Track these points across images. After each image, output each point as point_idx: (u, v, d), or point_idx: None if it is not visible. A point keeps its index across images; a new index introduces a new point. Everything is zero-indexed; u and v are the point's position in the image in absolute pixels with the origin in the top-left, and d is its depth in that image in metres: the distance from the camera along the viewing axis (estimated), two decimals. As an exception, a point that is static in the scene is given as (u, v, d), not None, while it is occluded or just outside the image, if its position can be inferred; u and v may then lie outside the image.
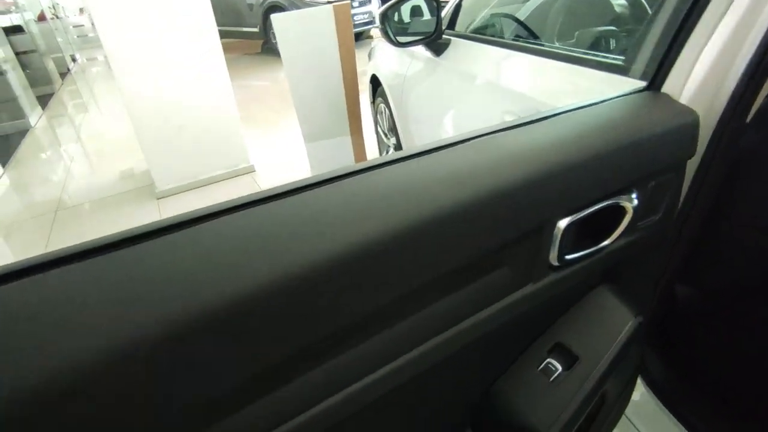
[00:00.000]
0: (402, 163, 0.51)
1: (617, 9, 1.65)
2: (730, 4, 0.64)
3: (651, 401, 0.99)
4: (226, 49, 2.98)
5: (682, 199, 0.77)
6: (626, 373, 0.83)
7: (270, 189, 0.45)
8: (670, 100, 0.69)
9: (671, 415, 0.94)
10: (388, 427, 0.63)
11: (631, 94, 0.72)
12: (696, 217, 0.79)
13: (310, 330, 0.40)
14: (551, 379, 0.69)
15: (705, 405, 0.93)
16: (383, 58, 2.38)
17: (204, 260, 0.37)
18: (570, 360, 0.70)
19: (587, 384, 0.67)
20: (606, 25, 1.56)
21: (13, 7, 6.79)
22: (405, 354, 0.51)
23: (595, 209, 0.61)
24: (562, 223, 0.58)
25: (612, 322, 0.71)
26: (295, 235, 0.40)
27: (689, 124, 0.67)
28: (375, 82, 2.52)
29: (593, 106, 0.67)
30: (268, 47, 7.29)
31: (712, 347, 0.97)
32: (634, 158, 0.62)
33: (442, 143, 0.55)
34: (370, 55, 2.66)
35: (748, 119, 0.73)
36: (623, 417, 0.99)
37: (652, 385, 0.99)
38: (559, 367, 0.69)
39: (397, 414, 0.63)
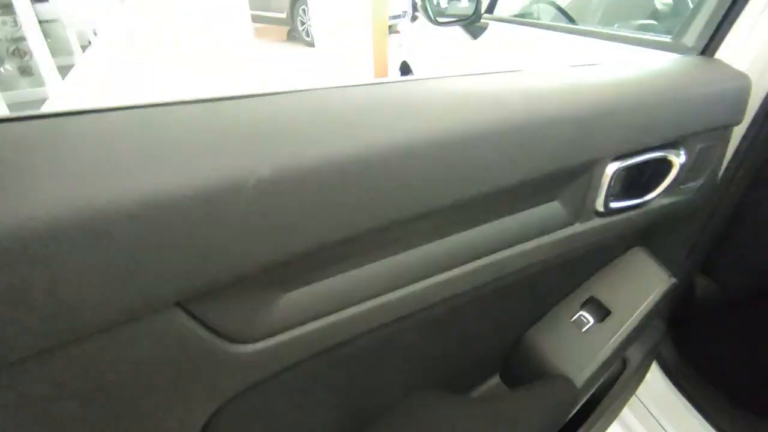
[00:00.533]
0: (448, 79, 0.50)
1: (659, 3, 1.65)
2: None
3: (664, 385, 0.99)
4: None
5: (722, 169, 0.77)
6: (651, 338, 0.84)
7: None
8: (721, 64, 0.70)
9: (684, 399, 0.94)
10: (414, 360, 0.65)
11: (682, 57, 0.73)
12: (735, 192, 0.80)
13: (337, 225, 0.39)
14: (583, 330, 0.70)
15: (719, 391, 0.93)
16: (414, 45, 2.40)
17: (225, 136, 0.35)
18: (602, 313, 0.71)
19: (617, 337, 0.69)
20: (648, 15, 1.56)
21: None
22: (443, 272, 0.52)
23: (644, 158, 0.62)
24: (610, 168, 0.59)
25: (647, 281, 0.72)
26: (340, 124, 0.39)
27: (740, 88, 0.67)
28: (405, 69, 2.54)
29: (645, 62, 0.68)
30: (294, 35, 7.32)
31: (733, 336, 0.97)
32: (682, 114, 0.63)
33: (491, 72, 0.55)
34: (400, 45, 2.68)
35: None
36: (636, 398, 1.00)
37: (666, 370, 0.99)
38: (591, 320, 0.71)
39: (428, 348, 0.64)
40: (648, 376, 0.96)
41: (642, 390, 0.97)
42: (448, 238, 0.51)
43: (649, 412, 1.00)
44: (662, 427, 0.96)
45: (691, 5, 1.46)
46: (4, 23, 4.73)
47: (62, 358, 0.31)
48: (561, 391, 0.66)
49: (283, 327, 0.42)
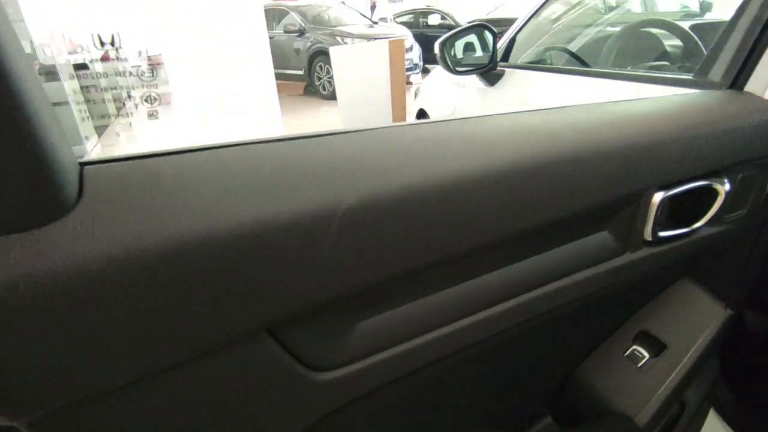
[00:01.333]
0: (502, 116, 0.53)
1: (669, 46, 1.70)
2: None
3: (722, 430, 0.94)
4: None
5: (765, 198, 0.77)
6: (707, 377, 0.81)
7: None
8: (753, 97, 0.72)
9: None
10: (470, 396, 0.63)
11: (712, 91, 0.75)
12: None
13: (413, 255, 0.39)
14: (639, 365, 0.68)
15: None
16: (431, 94, 2.50)
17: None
18: (658, 347, 0.69)
19: (678, 372, 0.66)
20: (658, 57, 1.61)
21: (80, 48, 7.49)
22: (500, 303, 0.52)
23: (689, 187, 0.62)
24: (657, 197, 0.60)
25: (701, 313, 0.71)
26: (415, 158, 0.40)
27: None
28: (422, 116, 2.62)
29: (676, 97, 0.70)
30: (310, 89, 7.67)
31: None
32: (720, 145, 0.64)
33: (537, 109, 0.57)
34: (416, 95, 2.79)
35: None
36: None
37: (723, 414, 0.94)
38: (647, 355, 0.69)
39: (483, 384, 0.63)
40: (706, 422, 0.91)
41: None
42: (505, 269, 0.52)
43: None
44: None
45: (700, 44, 1.51)
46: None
47: (156, 386, 0.31)
48: (623, 431, 0.64)
49: (357, 355, 0.43)
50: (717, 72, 0.81)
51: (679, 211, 0.67)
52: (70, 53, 7.21)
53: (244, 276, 0.31)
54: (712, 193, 0.66)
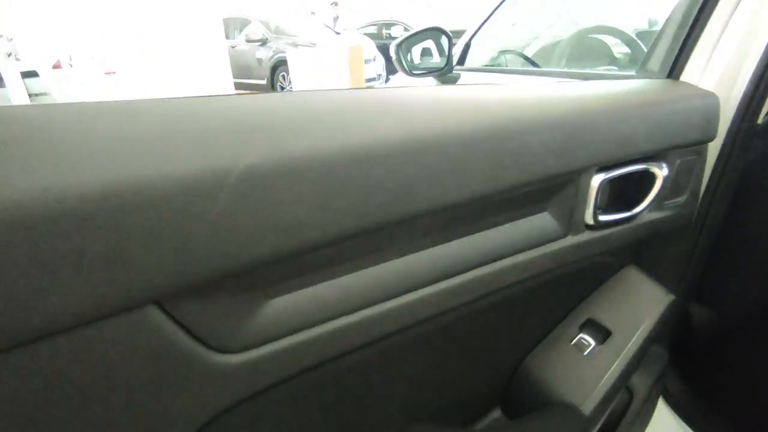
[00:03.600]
0: (432, 88, 0.51)
1: (617, 53, 1.76)
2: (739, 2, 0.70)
3: (672, 420, 0.95)
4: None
5: (704, 187, 0.79)
6: (656, 366, 0.81)
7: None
8: (688, 85, 0.73)
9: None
10: (409, 386, 0.60)
11: (652, 80, 0.76)
12: (717, 209, 0.81)
13: (322, 225, 0.36)
14: (585, 353, 0.67)
15: (730, 424, 0.88)
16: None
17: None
18: (603, 334, 0.68)
19: (623, 358, 0.65)
20: (607, 63, 1.66)
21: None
22: (435, 283, 0.49)
23: (627, 170, 0.62)
24: (596, 180, 0.59)
25: (645, 299, 0.71)
26: (329, 122, 0.38)
27: (708, 105, 0.70)
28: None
29: (614, 82, 0.70)
30: (273, 99, 7.59)
31: (736, 362, 0.95)
32: (658, 128, 0.65)
33: (472, 84, 0.55)
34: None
35: (760, 119, 0.77)
36: None
37: (673, 404, 0.95)
38: (593, 342, 0.68)
39: (423, 374, 0.60)
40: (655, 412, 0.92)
41: (649, 428, 0.92)
42: (441, 246, 0.49)
43: None
44: None
45: (645, 49, 1.57)
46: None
47: (26, 355, 0.27)
48: (568, 421, 0.62)
49: (269, 336, 0.38)
50: (655, 63, 0.83)
51: (620, 197, 0.67)
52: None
53: (125, 238, 0.27)
54: (651, 178, 0.66)
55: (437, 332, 0.55)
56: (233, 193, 0.31)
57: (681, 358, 0.96)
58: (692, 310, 0.95)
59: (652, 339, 0.69)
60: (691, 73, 0.75)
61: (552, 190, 0.56)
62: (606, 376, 0.64)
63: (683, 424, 0.89)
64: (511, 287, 0.56)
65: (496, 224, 0.54)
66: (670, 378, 0.95)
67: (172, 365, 0.33)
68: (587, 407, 0.63)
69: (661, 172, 0.65)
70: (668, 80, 0.76)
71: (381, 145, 0.38)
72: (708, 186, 0.79)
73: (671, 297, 0.71)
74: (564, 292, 0.70)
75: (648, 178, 0.66)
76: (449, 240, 0.50)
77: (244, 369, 0.37)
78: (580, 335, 0.68)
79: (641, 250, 0.80)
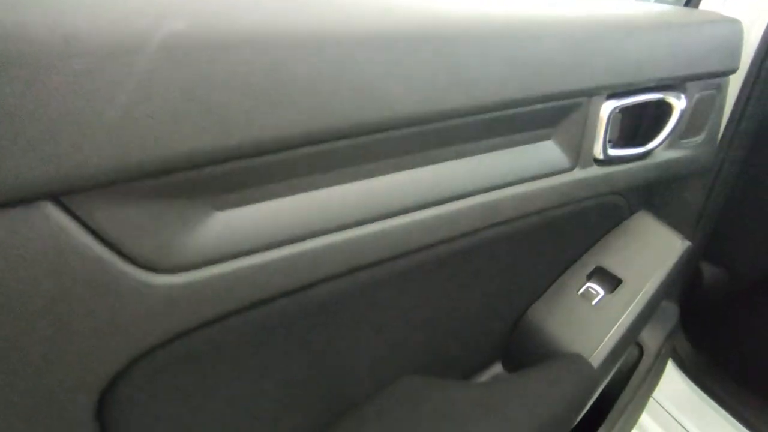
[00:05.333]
0: None
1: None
2: None
3: (680, 380, 0.90)
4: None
5: (722, 130, 0.73)
6: (666, 323, 0.76)
7: None
8: (709, 12, 0.67)
9: (702, 394, 0.85)
10: (394, 334, 0.55)
11: (669, 6, 0.69)
12: (737, 155, 0.75)
13: (274, 121, 0.30)
14: (593, 303, 0.62)
15: (740, 384, 0.84)
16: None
17: None
18: (613, 283, 0.63)
19: (633, 309, 0.61)
20: None
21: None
22: (426, 208, 0.43)
23: (641, 99, 0.56)
24: (606, 109, 0.54)
25: (658, 246, 0.65)
26: None
27: (731, 32, 0.64)
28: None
29: (629, 2, 0.64)
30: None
31: (747, 325, 0.90)
32: (676, 53, 0.58)
33: None
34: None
35: None
36: (652, 400, 0.90)
37: (680, 364, 0.90)
38: (602, 291, 0.63)
39: (412, 320, 0.55)
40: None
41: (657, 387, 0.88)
42: (432, 166, 0.43)
43: (665, 409, 0.90)
44: (681, 425, 0.86)
45: None
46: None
47: None
48: (577, 372, 0.57)
49: (217, 256, 0.32)
50: None
51: (633, 131, 0.61)
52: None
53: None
54: (667, 111, 0.60)
55: (428, 269, 0.50)
56: (152, 61, 0.24)
57: (689, 317, 0.92)
58: (702, 268, 0.90)
59: (665, 289, 0.64)
60: (711, 1, 0.68)
61: (558, 115, 0.51)
62: (615, 327, 0.59)
63: (692, 384, 0.85)
64: (512, 223, 0.51)
65: (495, 147, 0.48)
66: (680, 341, 0.91)
67: (83, 280, 0.27)
68: (596, 359, 0.59)
69: (678, 103, 0.59)
70: (687, 8, 0.70)
71: (360, 31, 0.32)
72: (726, 128, 0.73)
73: (687, 244, 0.66)
74: (570, 235, 0.64)
75: (664, 111, 0.60)
76: (443, 160, 0.44)
77: (184, 293, 0.31)
78: (588, 284, 0.64)
79: (652, 198, 0.74)
